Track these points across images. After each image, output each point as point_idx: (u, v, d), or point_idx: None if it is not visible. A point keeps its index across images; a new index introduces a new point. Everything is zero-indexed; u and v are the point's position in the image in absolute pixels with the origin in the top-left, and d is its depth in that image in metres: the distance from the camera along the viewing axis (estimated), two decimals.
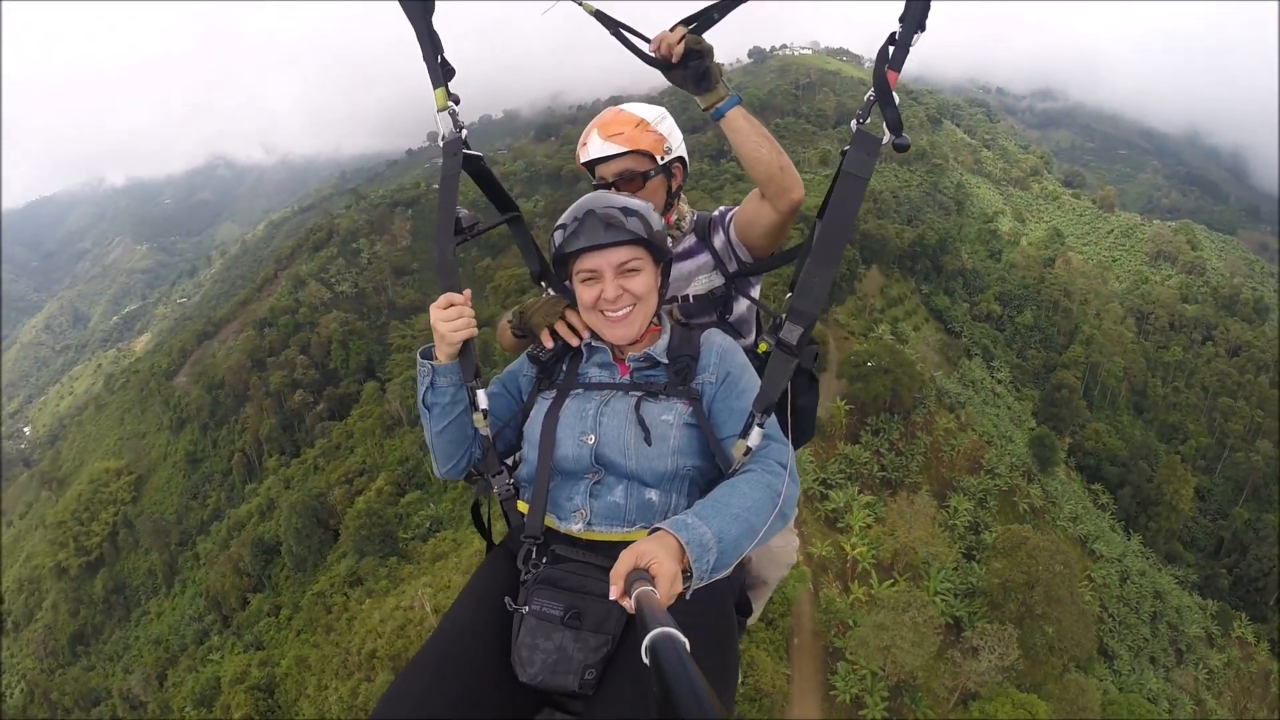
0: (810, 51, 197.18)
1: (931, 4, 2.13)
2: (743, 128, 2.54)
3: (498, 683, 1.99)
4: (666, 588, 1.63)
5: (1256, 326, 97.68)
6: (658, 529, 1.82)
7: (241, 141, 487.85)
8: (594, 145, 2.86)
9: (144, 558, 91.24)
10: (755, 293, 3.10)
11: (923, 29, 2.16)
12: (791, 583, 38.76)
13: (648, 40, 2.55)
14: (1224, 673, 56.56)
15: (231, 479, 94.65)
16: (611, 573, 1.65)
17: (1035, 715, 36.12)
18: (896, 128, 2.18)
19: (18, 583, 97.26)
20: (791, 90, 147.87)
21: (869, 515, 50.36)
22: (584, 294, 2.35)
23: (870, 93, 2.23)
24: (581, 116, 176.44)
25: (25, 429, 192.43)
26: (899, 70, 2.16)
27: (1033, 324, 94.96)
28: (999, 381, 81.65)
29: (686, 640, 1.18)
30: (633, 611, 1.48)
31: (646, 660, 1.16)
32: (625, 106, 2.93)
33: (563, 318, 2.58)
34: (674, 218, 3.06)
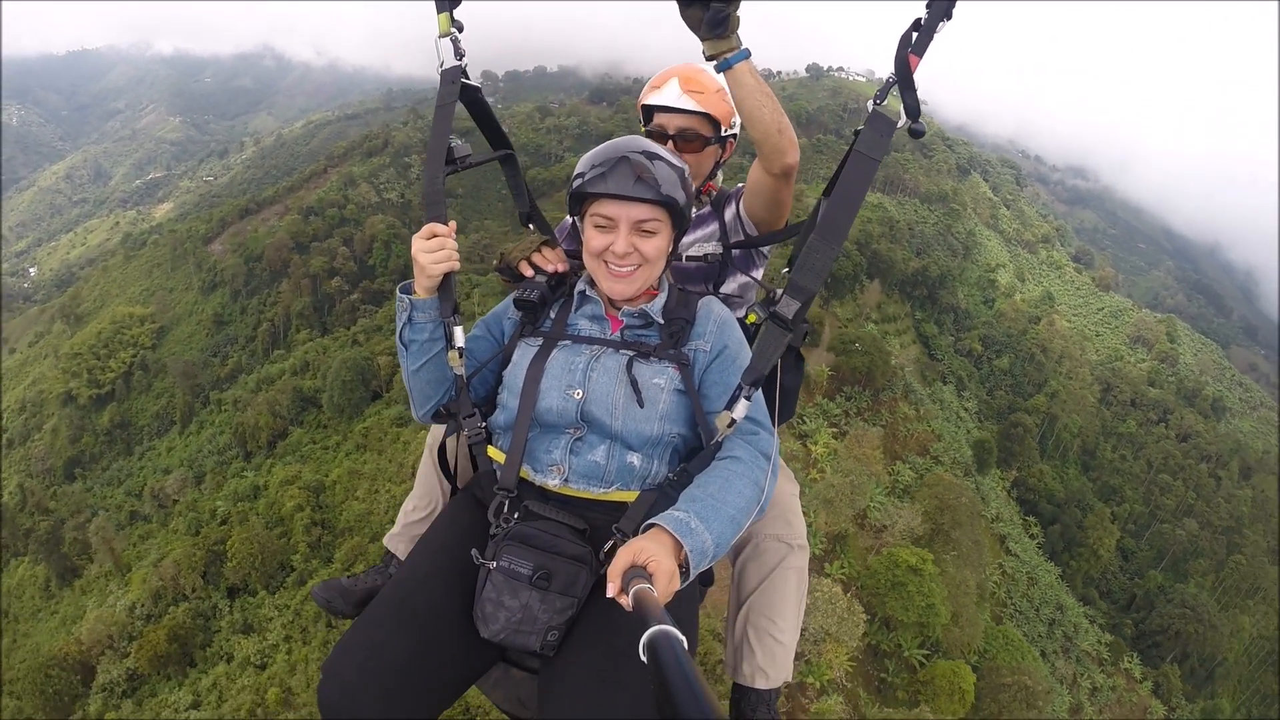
0: (864, 79, 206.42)
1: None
2: (749, 83, 2.48)
3: (456, 636, 2.01)
4: (665, 586, 1.66)
5: (1210, 421, 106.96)
6: (654, 525, 1.85)
7: (295, 37, 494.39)
8: (669, 93, 2.95)
9: (154, 401, 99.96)
10: (759, 274, 3.12)
11: (949, 18, 2.17)
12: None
13: None
14: (1107, 693, 64.84)
15: (255, 345, 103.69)
16: (609, 570, 1.67)
17: (962, 680, 46.19)
18: (914, 113, 2.20)
19: (19, 403, 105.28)
20: (839, 111, 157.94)
21: (832, 434, 64.17)
22: (593, 239, 2.27)
23: (890, 74, 2.21)
24: (636, 89, 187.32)
25: (31, 269, 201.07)
26: (921, 55, 2.19)
27: (1007, 369, 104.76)
28: (965, 409, 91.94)
29: (684, 639, 1.19)
30: (630, 609, 1.49)
31: (645, 658, 1.17)
32: (706, 69, 2.83)
33: (539, 251, 2.65)
34: (714, 186, 3.18)
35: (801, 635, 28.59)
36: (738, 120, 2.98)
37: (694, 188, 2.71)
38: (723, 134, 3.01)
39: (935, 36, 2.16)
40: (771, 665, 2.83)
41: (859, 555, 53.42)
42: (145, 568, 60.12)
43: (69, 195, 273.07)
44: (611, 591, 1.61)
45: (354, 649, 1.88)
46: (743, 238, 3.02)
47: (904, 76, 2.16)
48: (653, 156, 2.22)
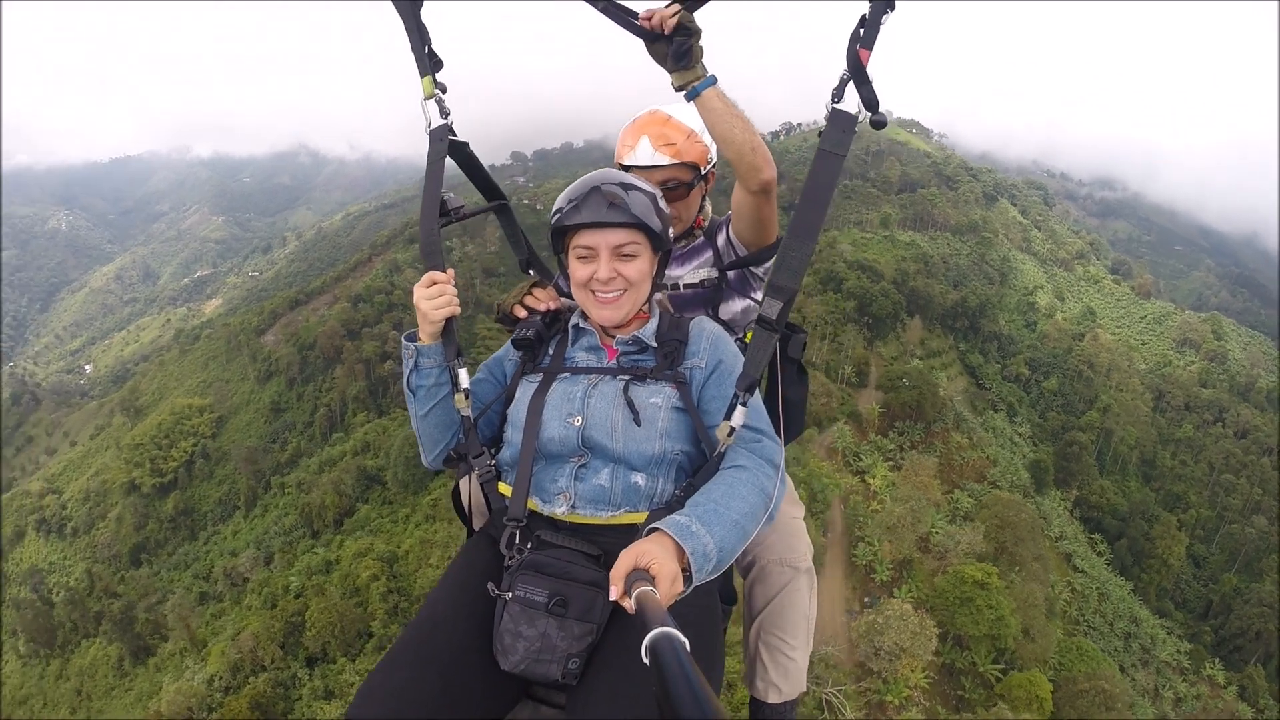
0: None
1: None
2: (717, 107, 2.56)
3: (479, 673, 2.00)
4: (667, 588, 1.65)
5: (1267, 414, 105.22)
6: (656, 529, 1.84)
7: (328, 134, 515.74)
8: (643, 152, 2.97)
9: (216, 488, 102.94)
10: (758, 295, 3.11)
11: (891, 8, 2.25)
12: (828, 491, 58.82)
13: (635, 15, 2.56)
14: (1191, 702, 63.97)
15: (313, 429, 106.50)
16: (611, 573, 1.67)
17: (1039, 689, 46.55)
18: (872, 105, 2.27)
19: (83, 493, 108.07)
20: (862, 155, 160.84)
21: (888, 467, 66.15)
22: (577, 271, 2.34)
23: (844, 71, 2.26)
24: None
25: (86, 366, 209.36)
26: (870, 48, 2.26)
27: (1056, 390, 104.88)
28: (1019, 434, 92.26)
29: (687, 640, 1.20)
30: (633, 611, 1.49)
31: (647, 660, 1.16)
32: (669, 112, 3.01)
33: (530, 294, 2.73)
34: (704, 219, 3.21)
35: (877, 654, 31.36)
36: (714, 151, 3.07)
37: (687, 225, 3.11)
38: (703, 172, 3.07)
39: (880, 29, 2.26)
40: (784, 680, 3.05)
41: (925, 578, 54.87)
42: (222, 642, 62.06)
43: (119, 295, 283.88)
44: (614, 595, 1.62)
45: (376, 694, 1.89)
46: (734, 257, 3.11)
47: (856, 71, 2.26)
48: (623, 184, 2.31)
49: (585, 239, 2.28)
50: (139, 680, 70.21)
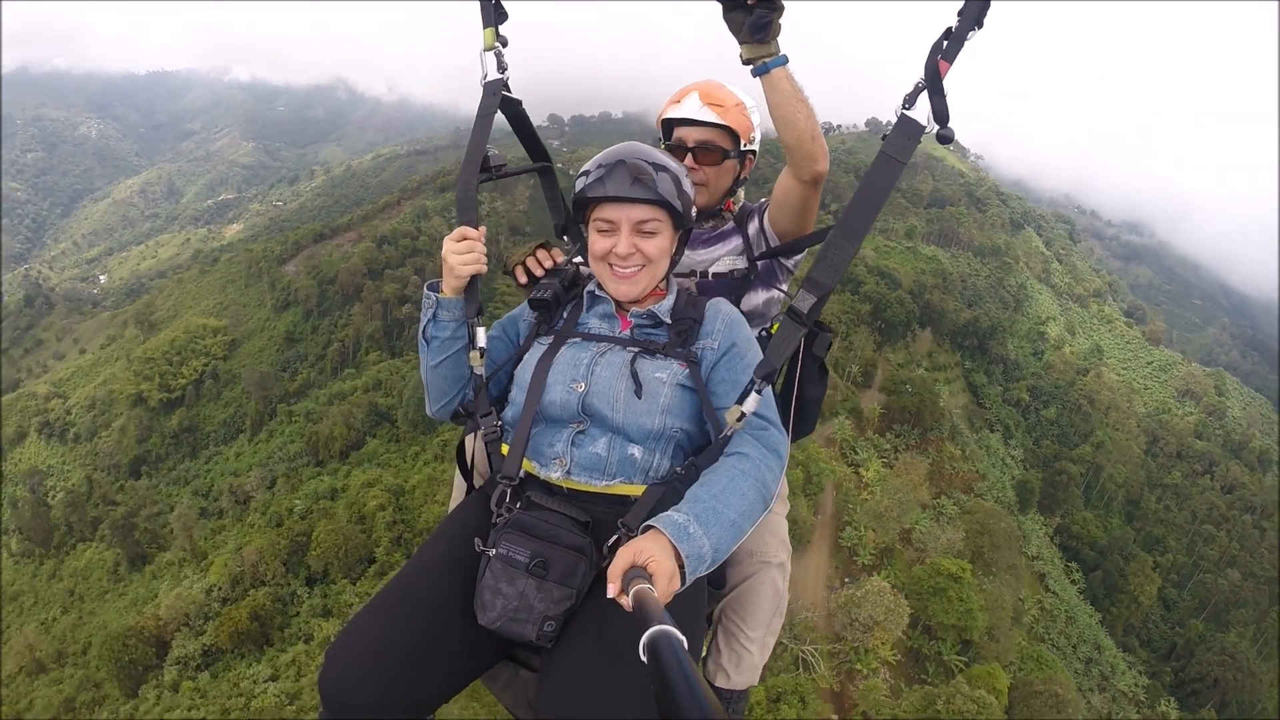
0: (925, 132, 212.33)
1: (991, 4, 2.17)
2: (786, 88, 2.52)
3: (459, 628, 2.03)
4: (665, 586, 1.66)
5: (1255, 474, 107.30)
6: (651, 527, 1.83)
7: (368, 72, 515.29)
8: (690, 105, 2.95)
9: (223, 409, 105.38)
10: (784, 287, 3.15)
11: (980, 26, 2.20)
12: (823, 476, 62.33)
13: None
14: None
15: (324, 363, 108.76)
16: (609, 570, 1.67)
17: (997, 682, 49.10)
18: (943, 119, 2.23)
19: (89, 400, 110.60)
20: None
21: (882, 463, 69.65)
22: (597, 243, 2.35)
23: (920, 79, 2.23)
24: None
25: (101, 276, 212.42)
26: (951, 62, 2.22)
27: (1054, 419, 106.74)
28: (1011, 455, 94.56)
29: (685, 639, 1.19)
30: (630, 609, 1.48)
31: (645, 658, 1.17)
32: (727, 85, 3.02)
33: (533, 255, 2.79)
34: (734, 204, 3.20)
35: (852, 624, 37.11)
36: (758, 136, 3.06)
37: (715, 202, 3.05)
38: (742, 148, 3.03)
39: (965, 44, 2.22)
40: (735, 668, 3.00)
41: (904, 566, 58.29)
42: (224, 555, 64.55)
43: (142, 209, 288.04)
44: (612, 592, 1.61)
45: (355, 638, 1.95)
46: (764, 247, 3.08)
47: (933, 81, 2.22)
48: (650, 160, 2.29)
49: (607, 212, 2.30)
50: (134, 586, 72.78)
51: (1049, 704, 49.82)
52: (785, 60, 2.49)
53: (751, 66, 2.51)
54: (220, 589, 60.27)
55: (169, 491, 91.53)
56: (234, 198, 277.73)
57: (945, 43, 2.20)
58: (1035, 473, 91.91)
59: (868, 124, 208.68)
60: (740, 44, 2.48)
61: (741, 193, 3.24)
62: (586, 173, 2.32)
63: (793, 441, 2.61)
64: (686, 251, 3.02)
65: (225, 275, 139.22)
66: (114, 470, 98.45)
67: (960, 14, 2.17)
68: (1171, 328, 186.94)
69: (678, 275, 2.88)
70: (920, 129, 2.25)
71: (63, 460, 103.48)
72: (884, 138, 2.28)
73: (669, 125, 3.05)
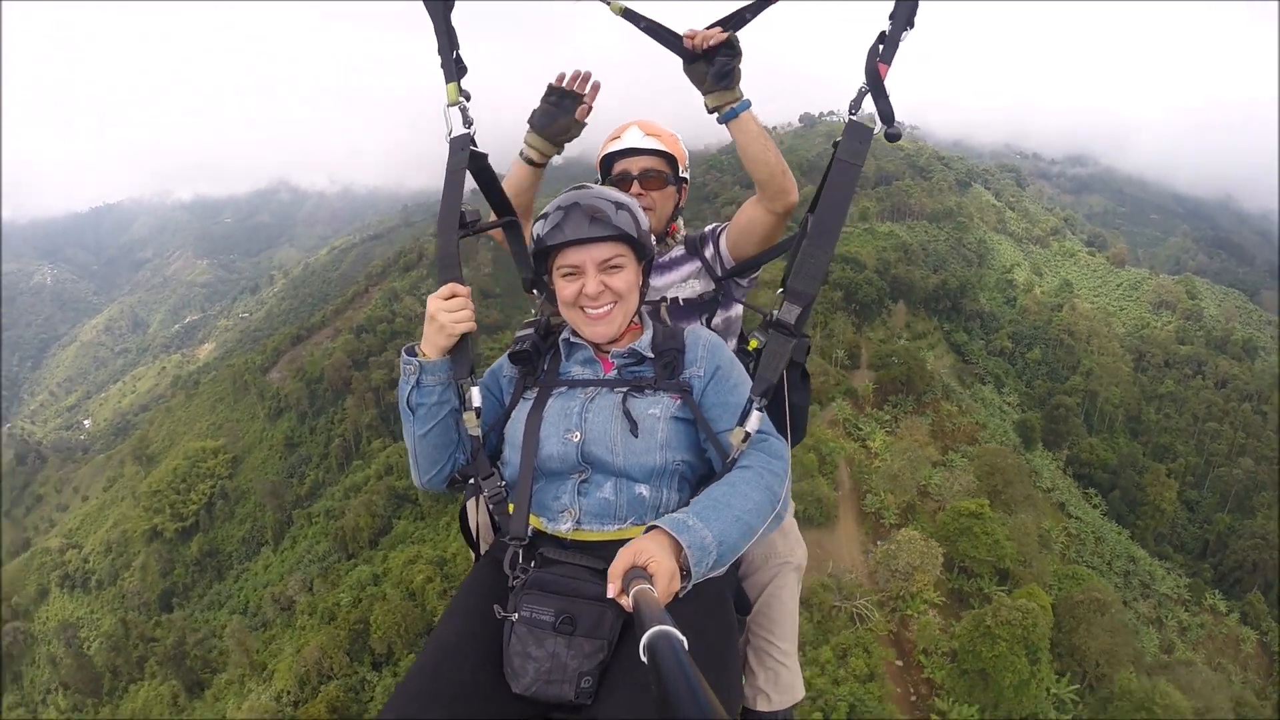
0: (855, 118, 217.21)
1: (919, 4, 2.28)
2: (753, 129, 2.68)
3: (491, 700, 1.93)
4: (665, 585, 1.66)
5: (1244, 363, 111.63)
6: (654, 527, 1.84)
7: (308, 168, 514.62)
8: (632, 136, 3.11)
9: (239, 526, 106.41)
10: (738, 310, 3.25)
11: (911, 26, 2.30)
12: (835, 454, 65.74)
13: (678, 36, 2.66)
14: (1196, 630, 68.88)
15: (329, 460, 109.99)
16: (609, 571, 1.68)
17: (1039, 600, 51.53)
18: (888, 119, 2.31)
19: (104, 545, 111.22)
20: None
21: (885, 433, 73.01)
22: (564, 289, 2.32)
23: (862, 84, 2.32)
24: None
25: (85, 421, 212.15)
26: (889, 64, 2.31)
27: (1040, 359, 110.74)
28: (1007, 403, 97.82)
29: (684, 638, 1.18)
30: (630, 609, 1.47)
31: (645, 659, 1.15)
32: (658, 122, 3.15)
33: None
34: (678, 228, 3.30)
35: (894, 575, 47.59)
36: (688, 163, 3.20)
37: (660, 227, 3.19)
38: (679, 175, 3.15)
39: (900, 45, 2.33)
40: (774, 688, 2.92)
41: (927, 518, 61.60)
42: (285, 659, 65.86)
43: (110, 346, 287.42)
44: (612, 592, 1.63)
45: None
46: (722, 270, 3.15)
47: (875, 85, 2.31)
48: (603, 197, 2.29)
49: (570, 257, 2.28)
50: (198, 712, 73.32)
51: (1092, 610, 52.74)
52: (749, 104, 2.69)
53: (718, 114, 2.70)
54: (289, 692, 61.31)
55: (206, 617, 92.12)
56: (199, 317, 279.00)
57: (881, 46, 2.35)
58: (1034, 413, 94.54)
59: (801, 119, 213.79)
60: (705, 94, 2.69)
61: (681, 220, 3.36)
62: (543, 219, 2.32)
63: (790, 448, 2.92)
64: (655, 277, 3.13)
65: (212, 395, 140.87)
66: (145, 608, 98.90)
67: (891, 17, 2.33)
68: (1134, 247, 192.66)
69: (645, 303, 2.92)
70: (870, 132, 2.37)
71: (90, 609, 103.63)
72: (835, 144, 2.39)
73: (609, 160, 3.19)
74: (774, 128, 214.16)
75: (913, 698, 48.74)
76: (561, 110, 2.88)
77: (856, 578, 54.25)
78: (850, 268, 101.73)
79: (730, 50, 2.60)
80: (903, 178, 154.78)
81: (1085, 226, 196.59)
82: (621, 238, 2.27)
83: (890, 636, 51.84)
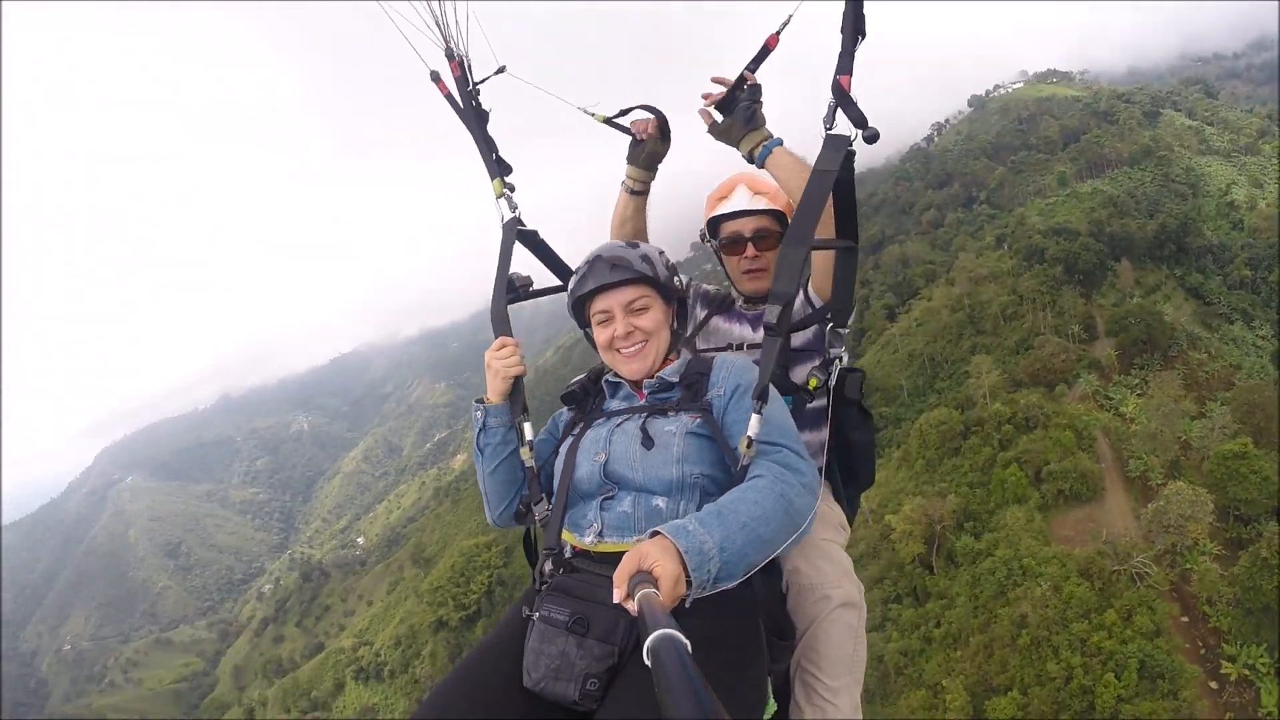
0: (1021, 84, 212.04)
1: (864, 8, 2.41)
2: (788, 163, 2.78)
3: (514, 697, 2.04)
4: (669, 589, 1.65)
5: None
6: (657, 532, 1.85)
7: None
8: (740, 198, 3.18)
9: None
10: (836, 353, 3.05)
11: (863, 34, 2.42)
12: (1091, 427, 67.22)
13: (657, 113, 3.02)
14: None
15: None
16: (615, 576, 1.67)
17: None
18: (861, 124, 2.40)
19: (394, 639, 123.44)
20: (1016, 127, 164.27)
21: (1137, 396, 73.18)
22: (600, 335, 2.51)
23: (830, 99, 2.44)
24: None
25: (359, 539, 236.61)
26: (850, 73, 2.42)
27: None
28: (1260, 337, 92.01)
29: (689, 642, 1.19)
30: (635, 613, 1.49)
31: (648, 662, 1.16)
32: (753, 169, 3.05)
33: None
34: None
35: (1166, 529, 51.86)
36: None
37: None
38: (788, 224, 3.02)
39: (855, 53, 2.44)
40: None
41: (1193, 471, 61.13)
42: None
43: (371, 473, 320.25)
44: (617, 597, 1.62)
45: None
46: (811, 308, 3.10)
47: (841, 97, 2.42)
48: (623, 245, 2.53)
49: (599, 304, 2.50)
50: None
51: None
52: (780, 141, 2.84)
53: (753, 156, 2.87)
54: None
55: None
56: (448, 434, 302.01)
57: (838, 60, 2.48)
58: None
59: (970, 103, 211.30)
60: (737, 142, 2.88)
61: None
62: (573, 281, 2.57)
63: (858, 493, 3.17)
64: (751, 333, 3.24)
65: (475, 499, 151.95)
66: None
67: (841, 30, 2.47)
68: None
69: (719, 350, 3.20)
70: (846, 140, 2.46)
71: (384, 696, 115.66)
72: (817, 157, 2.50)
73: (715, 223, 3.25)
74: (945, 120, 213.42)
75: (1201, 651, 49.37)
76: (639, 144, 3.13)
77: (1131, 540, 55.05)
78: (1063, 238, 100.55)
79: (751, 95, 2.83)
80: (1089, 129, 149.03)
81: None
82: (642, 280, 2.47)
83: (1172, 593, 52.58)
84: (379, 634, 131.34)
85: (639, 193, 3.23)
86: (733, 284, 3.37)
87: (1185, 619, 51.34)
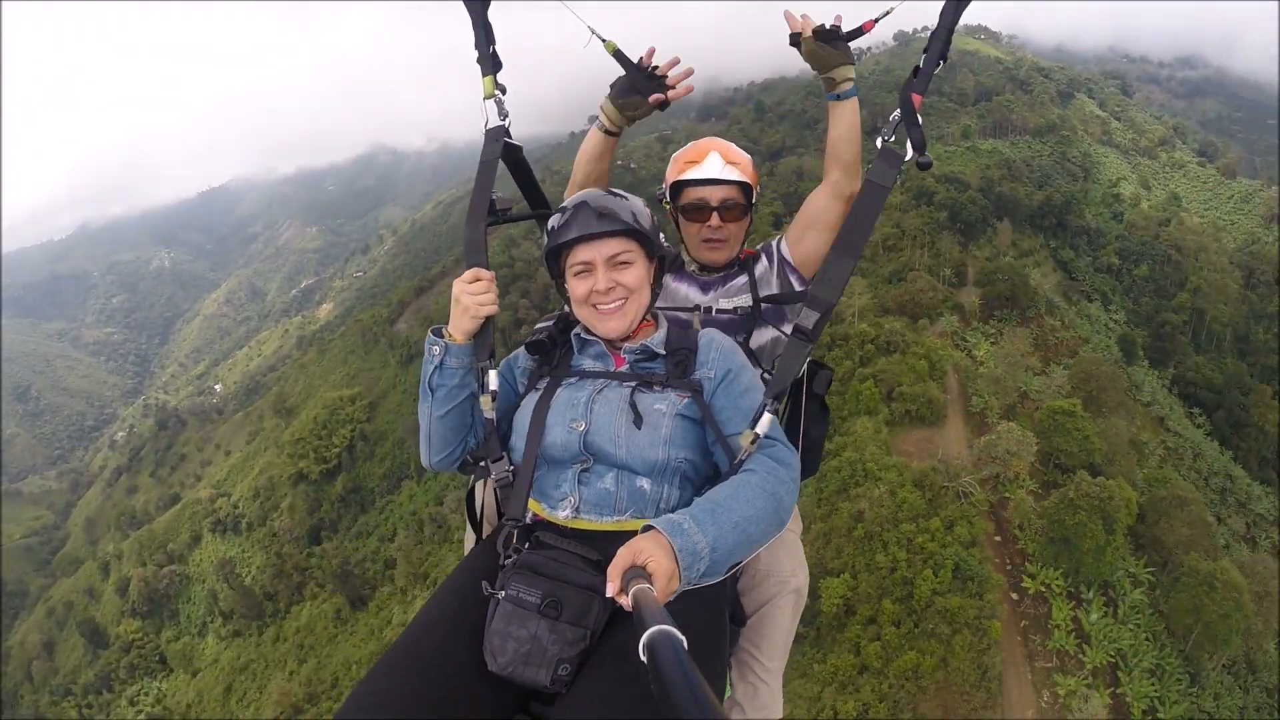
0: (961, 32, 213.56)
1: (951, 42, 2.43)
2: (851, 119, 2.84)
3: (469, 681, 1.94)
4: (664, 585, 1.65)
5: None
6: (651, 527, 1.82)
7: (405, 130, 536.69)
8: (713, 165, 3.04)
9: (379, 465, 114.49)
10: (788, 328, 3.10)
11: (945, 60, 2.47)
12: (944, 362, 71.44)
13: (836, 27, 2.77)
14: None
15: None
16: (609, 570, 1.65)
17: (1124, 493, 55.42)
18: (920, 147, 2.40)
19: (253, 491, 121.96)
20: (936, 73, 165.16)
21: (990, 343, 77.96)
22: (576, 288, 2.36)
23: (896, 112, 2.44)
24: (739, 98, 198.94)
25: (216, 386, 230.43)
26: (923, 94, 2.44)
27: (1148, 276, 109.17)
28: (1113, 319, 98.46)
29: (684, 639, 1.19)
30: (630, 609, 1.46)
31: (644, 658, 1.16)
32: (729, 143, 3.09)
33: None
34: (751, 251, 3.30)
35: (994, 460, 57.05)
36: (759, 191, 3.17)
37: (732, 257, 3.17)
38: (752, 201, 3.12)
39: (933, 77, 2.49)
40: (751, 702, 2.81)
41: (1026, 418, 65.80)
42: (448, 568, 73.05)
43: (232, 317, 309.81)
44: (611, 591, 1.60)
45: (358, 702, 1.85)
46: (775, 288, 3.16)
47: (908, 114, 2.43)
48: (610, 193, 2.38)
49: (580, 254, 2.34)
50: (362, 623, 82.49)
51: (1174, 505, 56.91)
52: (856, 90, 2.87)
53: (840, 90, 2.85)
54: None
55: (354, 546, 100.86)
56: (315, 281, 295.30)
57: (915, 78, 2.53)
58: (1140, 331, 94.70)
59: (895, 38, 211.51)
60: (834, 68, 2.81)
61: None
62: (553, 226, 2.37)
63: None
64: (700, 296, 3.18)
65: (343, 349, 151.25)
66: (296, 543, 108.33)
67: (926, 50, 2.52)
68: (1249, 155, 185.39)
69: (683, 311, 3.12)
70: (900, 158, 2.48)
71: (242, 549, 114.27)
72: (868, 165, 2.56)
73: (680, 186, 3.12)
74: (868, 49, 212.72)
75: (1008, 566, 54.70)
76: (639, 89, 2.89)
77: (962, 463, 59.39)
78: (954, 187, 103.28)
79: (851, 36, 2.78)
80: (1003, 92, 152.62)
81: (1198, 134, 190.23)
82: (629, 233, 2.34)
83: (990, 513, 57.45)
84: (237, 485, 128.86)
85: (613, 134, 3.05)
86: (685, 249, 3.28)
87: (999, 538, 56.60)
